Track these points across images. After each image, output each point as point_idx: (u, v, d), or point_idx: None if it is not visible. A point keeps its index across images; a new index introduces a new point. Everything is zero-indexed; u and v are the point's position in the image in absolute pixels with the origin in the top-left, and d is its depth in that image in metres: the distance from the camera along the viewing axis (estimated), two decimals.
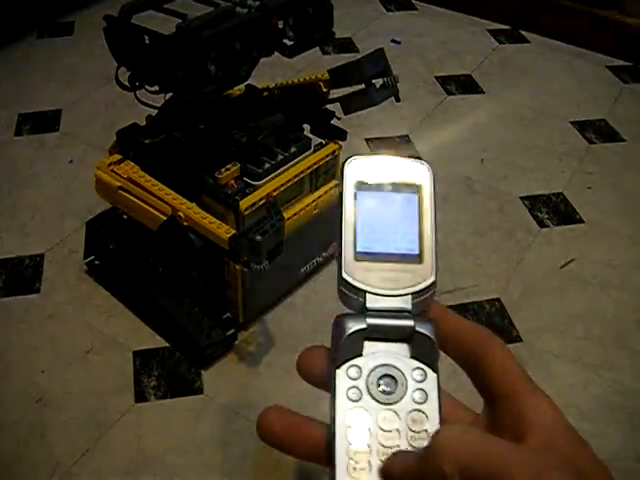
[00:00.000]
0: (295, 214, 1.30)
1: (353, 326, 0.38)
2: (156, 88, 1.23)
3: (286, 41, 1.23)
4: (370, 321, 0.38)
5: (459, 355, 0.40)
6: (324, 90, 1.30)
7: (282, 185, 1.25)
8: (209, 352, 1.31)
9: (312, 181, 1.33)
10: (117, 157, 1.30)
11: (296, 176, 1.27)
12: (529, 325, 1.44)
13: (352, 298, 0.39)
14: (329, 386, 0.39)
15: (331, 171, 1.36)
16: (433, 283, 0.39)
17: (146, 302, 1.37)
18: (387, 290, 0.39)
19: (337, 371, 0.39)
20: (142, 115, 1.36)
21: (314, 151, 1.33)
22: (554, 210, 1.71)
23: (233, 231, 1.13)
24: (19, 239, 1.60)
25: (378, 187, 0.40)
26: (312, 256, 1.45)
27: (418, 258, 0.39)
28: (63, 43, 2.37)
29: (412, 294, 0.39)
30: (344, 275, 0.39)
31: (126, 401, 1.28)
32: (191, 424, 1.24)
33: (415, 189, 0.40)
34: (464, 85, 2.18)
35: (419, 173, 0.41)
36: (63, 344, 1.38)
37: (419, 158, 0.41)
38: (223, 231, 1.13)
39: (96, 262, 1.48)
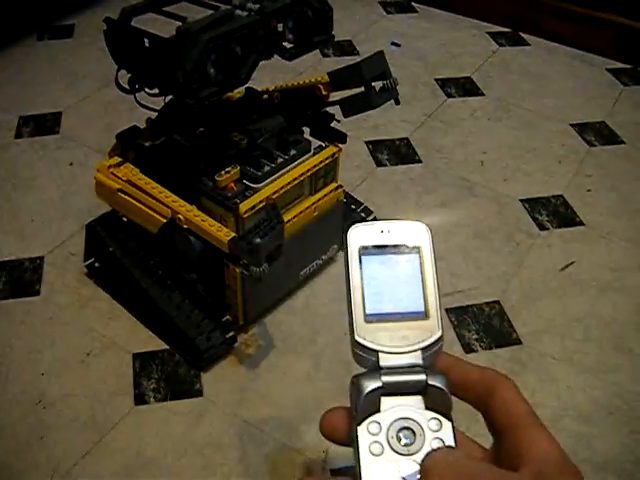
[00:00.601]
0: (295, 217, 1.31)
1: (369, 385, 0.41)
2: (156, 91, 1.24)
3: (286, 44, 1.23)
4: (385, 379, 0.41)
5: (470, 399, 0.44)
6: (324, 93, 1.30)
7: (282, 188, 1.25)
8: (208, 355, 1.31)
9: (312, 184, 1.33)
10: (117, 160, 1.30)
11: (296, 179, 1.27)
12: (529, 328, 1.44)
13: (366, 358, 0.42)
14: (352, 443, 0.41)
15: (331, 174, 1.36)
16: (440, 337, 0.42)
17: (146, 305, 1.37)
18: (398, 348, 0.42)
19: (358, 428, 0.41)
20: (142, 117, 1.36)
21: (314, 154, 1.33)
22: (554, 213, 1.71)
23: (233, 234, 1.13)
24: (19, 242, 1.60)
25: (381, 251, 0.43)
26: (312, 259, 1.45)
27: (424, 315, 0.42)
28: (63, 45, 2.37)
29: (422, 349, 0.42)
30: (357, 338, 0.42)
31: (126, 403, 1.28)
32: (191, 426, 1.25)
33: (416, 250, 0.44)
34: (464, 87, 2.18)
35: (418, 234, 0.44)
36: (63, 346, 1.38)
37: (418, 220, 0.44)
38: (222, 234, 1.13)
39: (96, 264, 1.48)
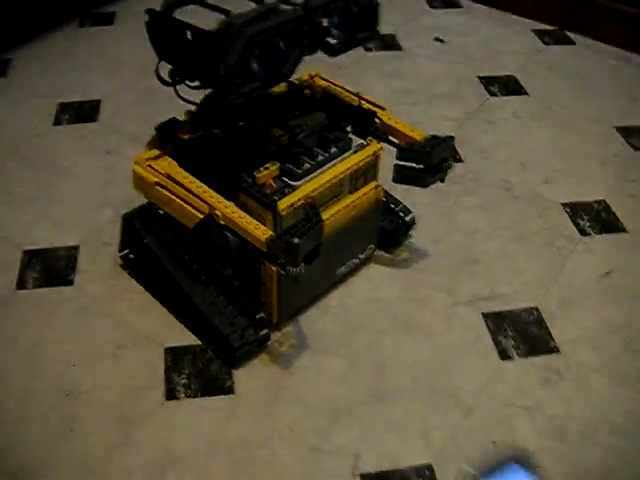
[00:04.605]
0: (333, 215, 1.28)
1: None
2: (197, 84, 1.22)
3: (330, 40, 1.21)
4: None
5: None
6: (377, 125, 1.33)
7: (321, 186, 1.22)
8: (241, 352, 1.29)
9: (352, 182, 1.31)
10: (155, 152, 1.29)
11: (335, 177, 1.25)
12: (567, 336, 1.40)
13: None
14: None
15: (371, 172, 1.34)
16: None
17: (179, 299, 1.35)
18: None
19: None
20: (182, 108, 1.34)
21: (355, 152, 1.30)
22: (596, 218, 1.68)
23: (270, 232, 1.11)
24: (55, 229, 1.60)
25: None
26: (349, 257, 1.43)
27: None
28: (104, 33, 2.37)
29: None
30: None
31: (156, 398, 1.27)
32: (221, 424, 1.23)
33: None
34: (507, 86, 2.14)
35: None
36: (95, 338, 1.37)
37: None
38: (260, 232, 1.11)
39: (131, 256, 1.47)
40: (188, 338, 1.37)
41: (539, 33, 2.43)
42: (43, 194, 1.70)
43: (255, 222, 1.14)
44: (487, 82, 2.16)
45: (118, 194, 1.65)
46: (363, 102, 1.38)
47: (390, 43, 2.33)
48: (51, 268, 1.51)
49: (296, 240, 1.05)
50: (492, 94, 2.11)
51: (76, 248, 1.55)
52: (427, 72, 2.19)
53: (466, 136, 1.91)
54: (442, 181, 1.36)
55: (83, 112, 1.98)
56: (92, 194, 1.69)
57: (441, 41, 2.34)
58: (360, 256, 1.45)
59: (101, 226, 1.60)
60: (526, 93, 2.12)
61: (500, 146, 1.89)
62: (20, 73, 2.16)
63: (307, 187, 1.21)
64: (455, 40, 2.37)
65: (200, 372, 1.31)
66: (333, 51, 1.21)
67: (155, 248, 1.36)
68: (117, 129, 1.91)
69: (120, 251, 1.49)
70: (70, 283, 1.48)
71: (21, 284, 1.47)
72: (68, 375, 1.30)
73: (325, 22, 1.18)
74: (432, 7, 2.58)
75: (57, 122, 1.94)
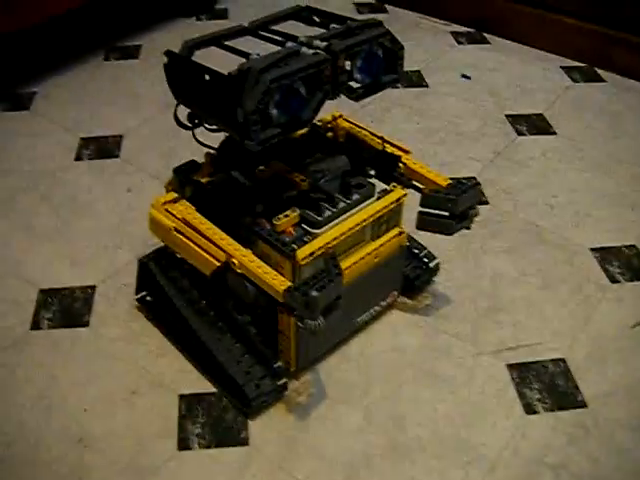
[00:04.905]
0: (354, 263, 1.25)
1: None
2: (215, 127, 1.20)
3: (353, 83, 1.18)
4: None
5: None
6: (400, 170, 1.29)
7: (342, 234, 1.19)
8: (257, 403, 1.25)
9: (374, 229, 1.27)
10: (172, 195, 1.26)
11: (357, 225, 1.21)
12: (595, 390, 1.35)
13: None
14: None
15: (394, 218, 1.31)
16: None
17: (195, 346, 1.32)
18: None
19: None
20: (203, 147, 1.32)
21: (377, 198, 1.27)
22: (626, 264, 1.62)
23: (288, 283, 1.08)
24: (72, 268, 1.57)
25: None
26: (370, 305, 1.39)
27: None
28: (129, 66, 2.36)
29: None
30: None
31: (169, 447, 1.23)
32: (234, 477, 1.19)
33: None
34: (535, 125, 2.10)
35: None
36: (109, 382, 1.34)
37: None
38: (278, 282, 1.08)
39: (148, 298, 1.45)
40: (203, 385, 1.33)
41: (568, 70, 2.40)
42: (62, 231, 1.68)
43: (273, 272, 1.11)
44: (515, 121, 2.12)
45: (137, 233, 1.63)
46: (387, 145, 1.34)
47: (416, 79, 2.30)
48: (67, 308, 1.48)
49: (314, 293, 1.02)
50: (520, 133, 2.07)
51: (93, 288, 1.52)
52: (453, 110, 2.16)
53: (493, 177, 1.87)
54: (468, 229, 1.32)
55: (105, 147, 1.97)
56: (111, 232, 1.67)
57: (467, 78, 2.31)
58: (382, 303, 1.42)
59: (119, 266, 1.57)
60: (555, 133, 2.08)
61: (528, 187, 1.85)
62: (44, 106, 2.16)
63: (328, 236, 1.18)
64: (482, 77, 2.33)
65: (215, 421, 1.27)
66: (357, 95, 1.18)
67: (171, 293, 1.33)
68: (138, 166, 1.89)
69: (137, 293, 1.46)
70: (86, 324, 1.45)
71: (36, 324, 1.45)
72: (80, 420, 1.27)
73: (348, 65, 1.15)
74: (459, 43, 2.55)
75: (78, 157, 1.93)
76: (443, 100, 2.20)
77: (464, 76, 2.32)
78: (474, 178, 1.86)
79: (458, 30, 2.63)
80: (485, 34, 2.60)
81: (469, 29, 2.63)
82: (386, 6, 2.80)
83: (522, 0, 2.51)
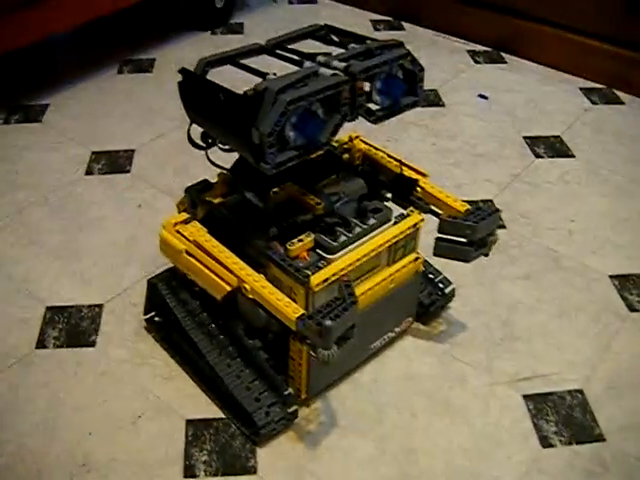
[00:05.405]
0: (369, 289, 1.22)
1: None
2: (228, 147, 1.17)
3: (371, 105, 1.15)
4: None
5: None
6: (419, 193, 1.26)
7: (357, 260, 1.15)
8: (266, 430, 1.22)
9: (390, 254, 1.24)
10: (184, 216, 1.23)
11: (373, 251, 1.18)
12: (613, 423, 1.31)
13: None
14: None
15: (411, 244, 1.27)
16: None
17: (204, 369, 1.29)
18: None
19: None
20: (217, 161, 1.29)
21: (394, 223, 1.23)
22: None
23: (301, 311, 1.04)
24: (80, 286, 1.54)
25: None
26: (384, 331, 1.36)
27: None
28: (142, 80, 2.34)
29: None
30: None
31: (174, 474, 1.20)
32: None
33: None
34: (553, 147, 2.07)
35: None
36: (114, 405, 1.30)
37: None
38: (291, 310, 1.05)
39: (156, 319, 1.41)
40: (211, 410, 1.30)
41: (586, 92, 2.36)
42: (71, 247, 1.65)
43: (286, 299, 1.07)
44: (532, 143, 2.08)
45: (147, 250, 1.60)
46: (404, 168, 1.31)
47: (432, 99, 2.27)
48: (73, 327, 1.45)
49: (329, 322, 0.98)
50: (538, 156, 2.03)
51: (100, 307, 1.49)
52: (470, 130, 2.12)
53: (510, 200, 1.84)
54: (486, 255, 1.28)
55: (116, 162, 1.94)
56: (120, 249, 1.64)
57: (485, 98, 2.28)
58: (396, 329, 1.38)
59: (127, 284, 1.54)
60: (573, 155, 2.04)
61: (546, 212, 1.81)
62: (56, 119, 2.14)
63: (343, 262, 1.14)
64: (499, 97, 2.30)
65: (222, 448, 1.24)
66: (376, 118, 1.14)
67: (181, 315, 1.29)
68: (149, 181, 1.86)
69: (145, 313, 1.43)
70: (92, 344, 1.42)
71: (41, 343, 1.42)
72: (84, 444, 1.24)
73: (367, 87, 1.12)
74: (476, 62, 2.52)
75: (89, 172, 1.91)
76: (460, 120, 2.17)
77: (481, 96, 2.28)
78: (490, 201, 1.82)
79: (475, 49, 2.60)
80: (503, 53, 2.56)
81: (486, 48, 2.60)
82: (403, 23, 2.77)
83: (541, 20, 2.47)
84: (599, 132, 2.16)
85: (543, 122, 2.19)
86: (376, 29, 2.72)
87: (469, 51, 2.59)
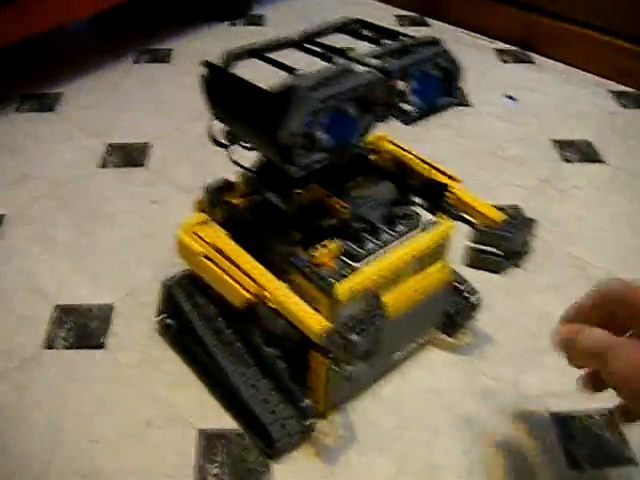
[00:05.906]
0: (395, 298, 1.15)
1: None
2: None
3: (405, 105, 1.08)
4: None
5: None
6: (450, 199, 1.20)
7: (386, 269, 1.09)
8: (282, 444, 1.16)
9: (417, 262, 1.17)
10: (202, 217, 1.17)
11: (401, 259, 1.12)
12: None
13: None
14: None
15: (440, 252, 1.21)
16: None
17: (218, 377, 1.23)
18: None
19: None
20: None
21: (423, 229, 1.17)
22: None
23: (326, 324, 0.98)
24: (89, 284, 1.49)
25: None
26: (408, 342, 1.29)
27: None
28: (159, 70, 2.28)
29: None
30: None
31: None
32: None
33: None
34: (582, 152, 2.00)
35: None
36: (122, 412, 1.24)
37: None
38: (315, 322, 0.98)
39: (168, 321, 1.35)
40: (224, 420, 1.24)
41: (617, 95, 2.29)
42: (81, 242, 1.59)
43: (310, 310, 1.00)
44: (560, 146, 2.02)
45: (160, 249, 1.54)
46: (435, 172, 1.24)
47: (459, 99, 2.20)
48: (82, 328, 1.39)
49: (354, 337, 0.92)
50: (566, 160, 1.96)
51: (111, 307, 1.44)
52: (497, 132, 2.06)
53: (537, 206, 1.77)
54: (518, 266, 1.22)
55: (131, 155, 1.88)
56: (133, 247, 1.58)
57: (512, 99, 2.21)
58: (420, 340, 1.32)
59: (139, 284, 1.48)
60: (603, 160, 1.97)
61: (574, 219, 1.75)
62: (70, 109, 2.08)
63: (369, 270, 1.08)
64: (527, 98, 2.23)
65: (235, 461, 1.18)
66: (409, 118, 1.08)
67: (195, 321, 1.23)
68: (165, 176, 1.80)
69: (158, 315, 1.37)
70: (101, 346, 1.36)
71: (49, 343, 1.36)
72: (89, 453, 1.18)
73: (402, 86, 1.06)
74: (503, 62, 2.45)
75: (103, 164, 1.85)
76: (486, 121, 2.11)
77: (509, 97, 2.21)
78: (517, 206, 1.75)
79: (502, 48, 2.53)
80: (530, 53, 2.50)
81: (513, 47, 2.53)
82: (427, 19, 2.70)
83: (570, 19, 2.40)
84: (630, 137, 2.09)
85: (572, 125, 2.12)
86: (400, 25, 2.66)
87: (495, 49, 2.52)
